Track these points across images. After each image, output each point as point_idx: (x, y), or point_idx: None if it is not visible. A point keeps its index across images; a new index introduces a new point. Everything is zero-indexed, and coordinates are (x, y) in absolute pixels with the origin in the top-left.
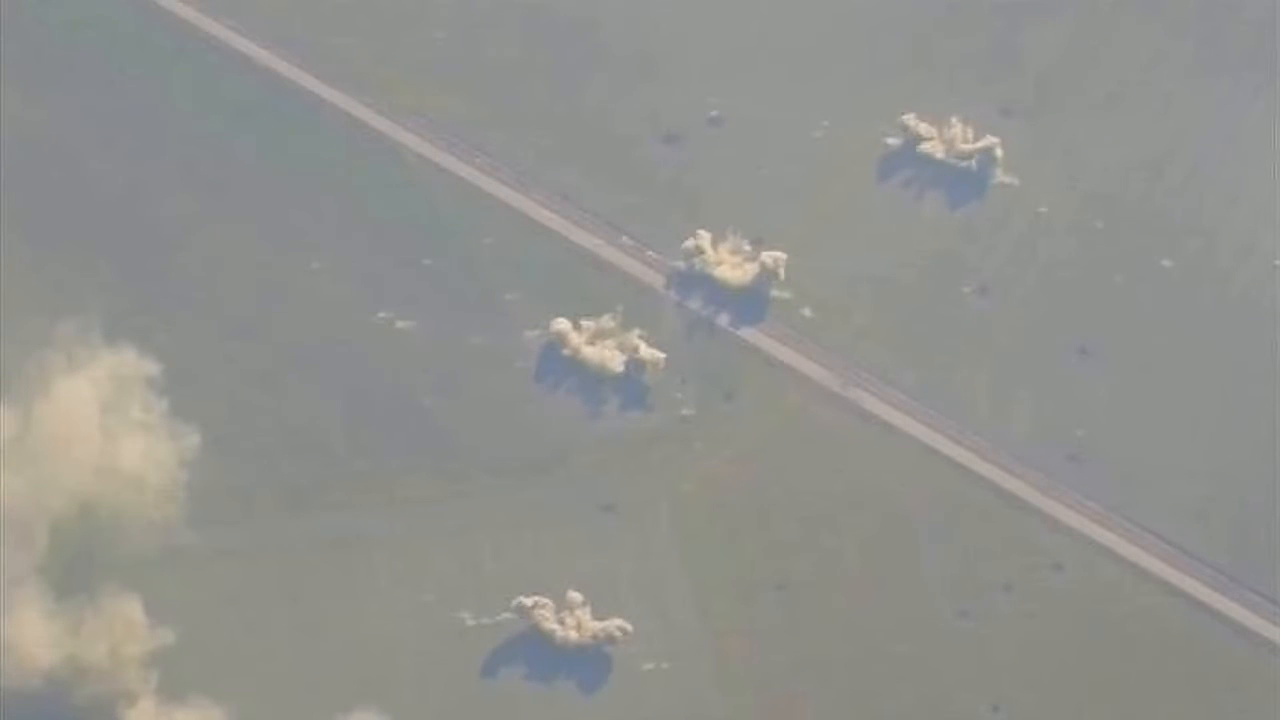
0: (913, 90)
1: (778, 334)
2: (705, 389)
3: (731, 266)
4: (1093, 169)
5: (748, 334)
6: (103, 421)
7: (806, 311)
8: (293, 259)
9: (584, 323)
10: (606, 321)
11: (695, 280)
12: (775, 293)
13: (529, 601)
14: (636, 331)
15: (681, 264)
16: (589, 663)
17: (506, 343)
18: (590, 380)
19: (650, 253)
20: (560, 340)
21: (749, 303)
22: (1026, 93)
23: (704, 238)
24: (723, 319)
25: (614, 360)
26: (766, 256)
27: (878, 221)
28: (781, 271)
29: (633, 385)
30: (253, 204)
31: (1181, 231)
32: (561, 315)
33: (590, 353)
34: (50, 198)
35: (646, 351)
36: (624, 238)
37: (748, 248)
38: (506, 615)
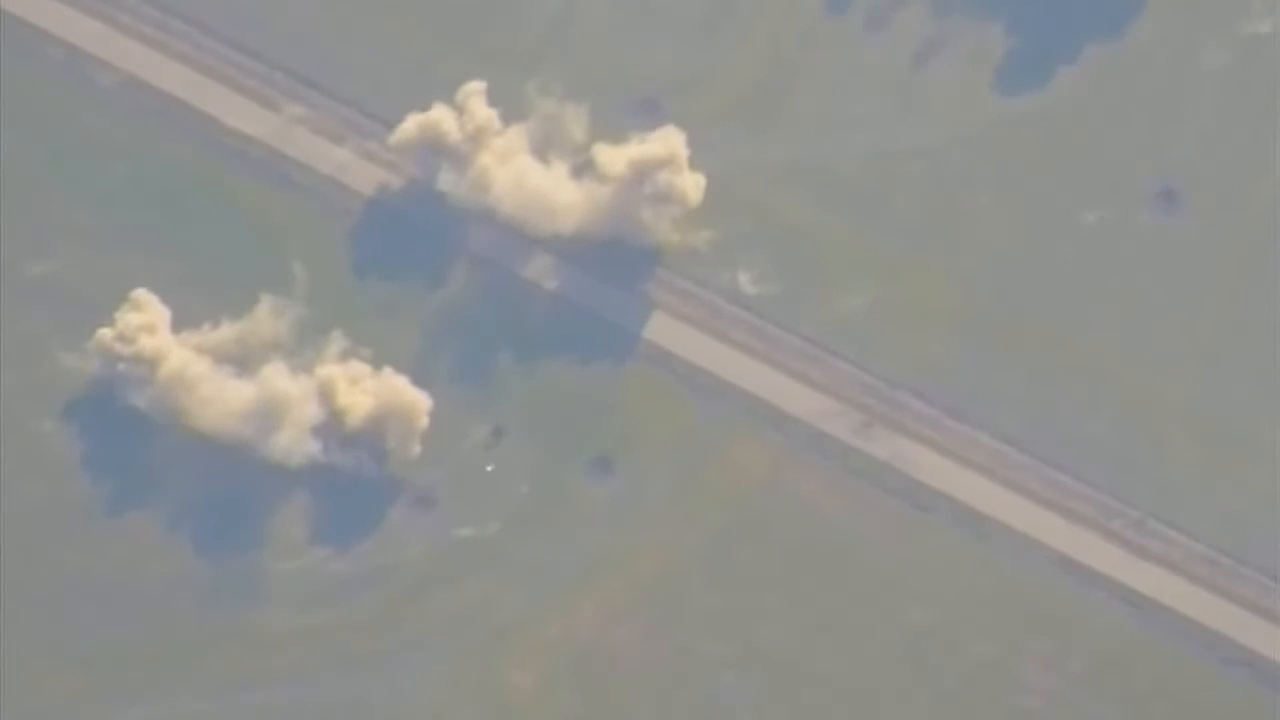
0: None
1: (696, 320)
2: (540, 463)
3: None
4: None
5: (625, 319)
6: None
7: (750, 266)
8: None
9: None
10: (266, 315)
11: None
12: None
13: None
14: (336, 334)
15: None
16: None
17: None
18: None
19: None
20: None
21: (619, 256)
22: None
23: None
24: (556, 288)
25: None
26: (656, 141)
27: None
28: (686, 174)
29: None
30: None
31: None
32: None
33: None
34: None
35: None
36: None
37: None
38: None
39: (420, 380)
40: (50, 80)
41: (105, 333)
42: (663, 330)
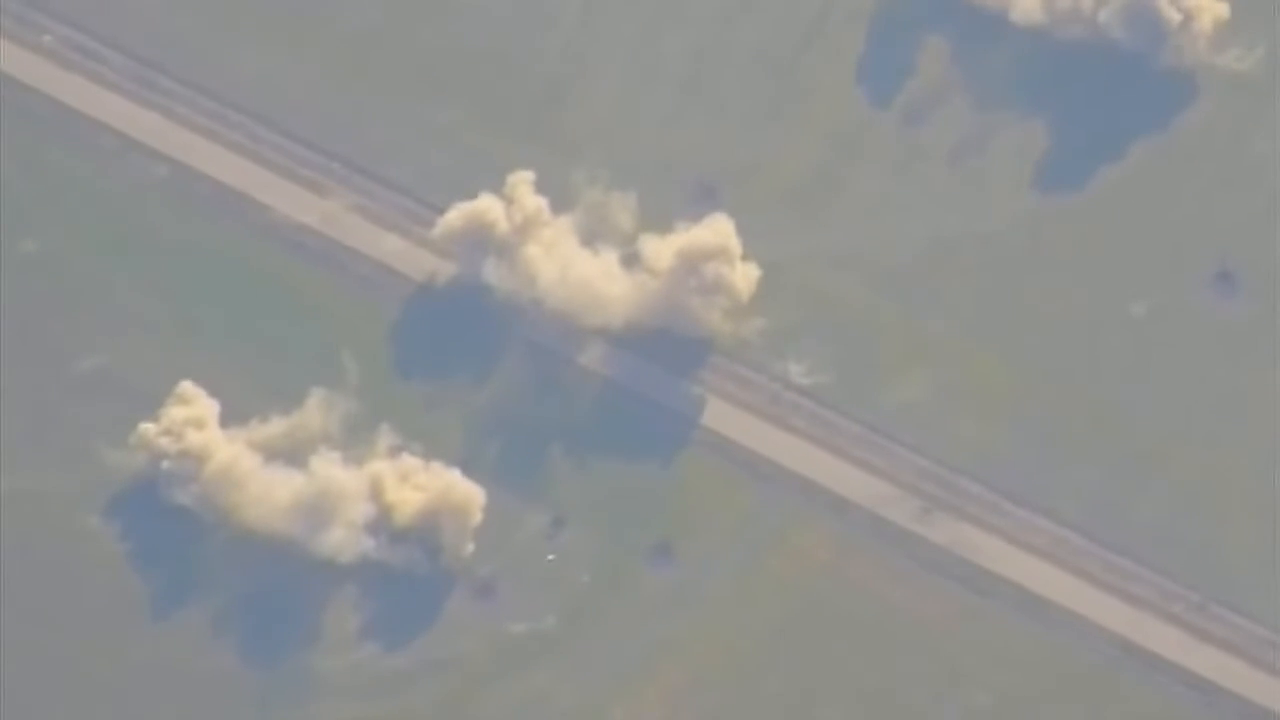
0: None
1: (752, 406)
2: (600, 551)
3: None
4: None
5: (679, 406)
6: None
7: (804, 354)
8: None
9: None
10: (315, 409)
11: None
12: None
13: None
14: (384, 428)
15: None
16: None
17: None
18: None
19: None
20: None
21: (670, 343)
22: None
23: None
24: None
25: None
26: (705, 230)
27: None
28: (737, 264)
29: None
30: None
31: None
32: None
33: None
34: None
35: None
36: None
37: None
38: None
39: (472, 473)
40: (103, 170)
41: (149, 428)
42: (719, 417)
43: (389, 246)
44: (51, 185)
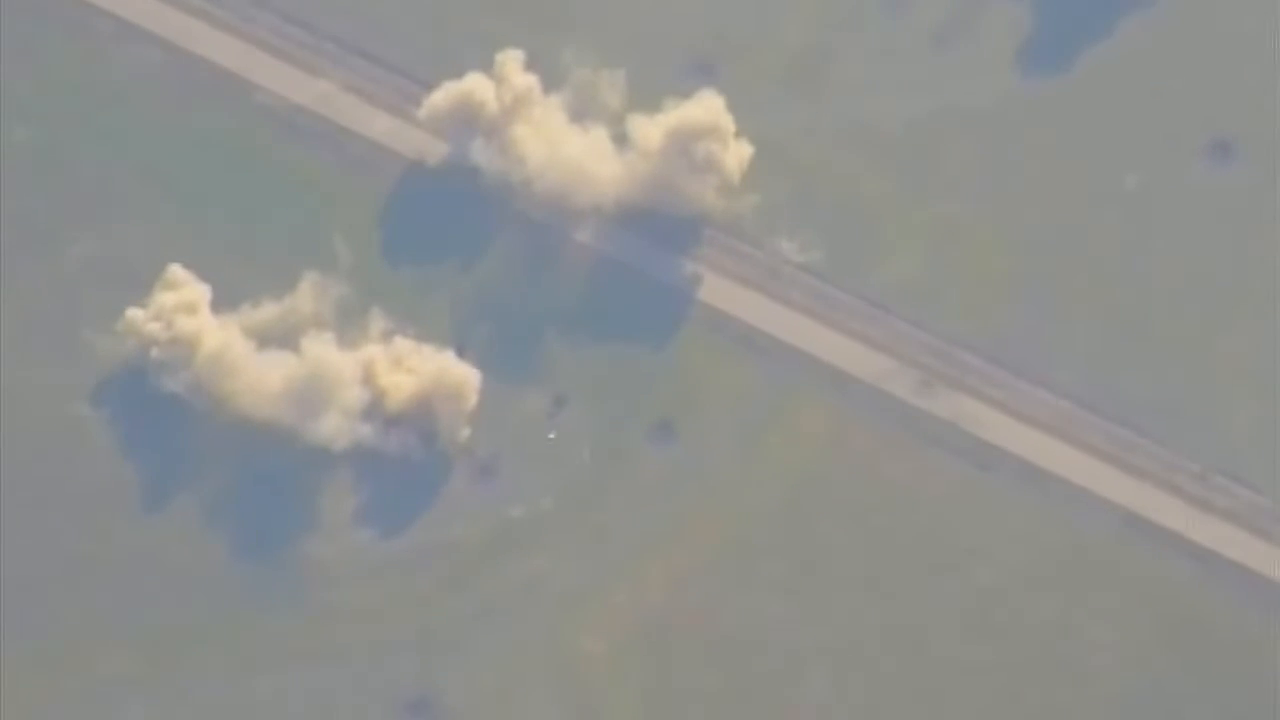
0: None
1: (750, 280)
2: (600, 429)
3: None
4: None
5: (677, 282)
6: None
7: (801, 230)
8: None
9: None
10: (308, 294)
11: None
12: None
13: None
14: (376, 312)
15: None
16: None
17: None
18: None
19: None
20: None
21: (663, 221)
22: None
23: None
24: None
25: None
26: (696, 107)
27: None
28: (730, 142)
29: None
30: None
31: None
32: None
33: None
34: None
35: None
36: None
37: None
38: None
39: (467, 356)
40: (97, 55)
41: (136, 313)
42: (717, 292)
43: (383, 126)
44: (45, 71)
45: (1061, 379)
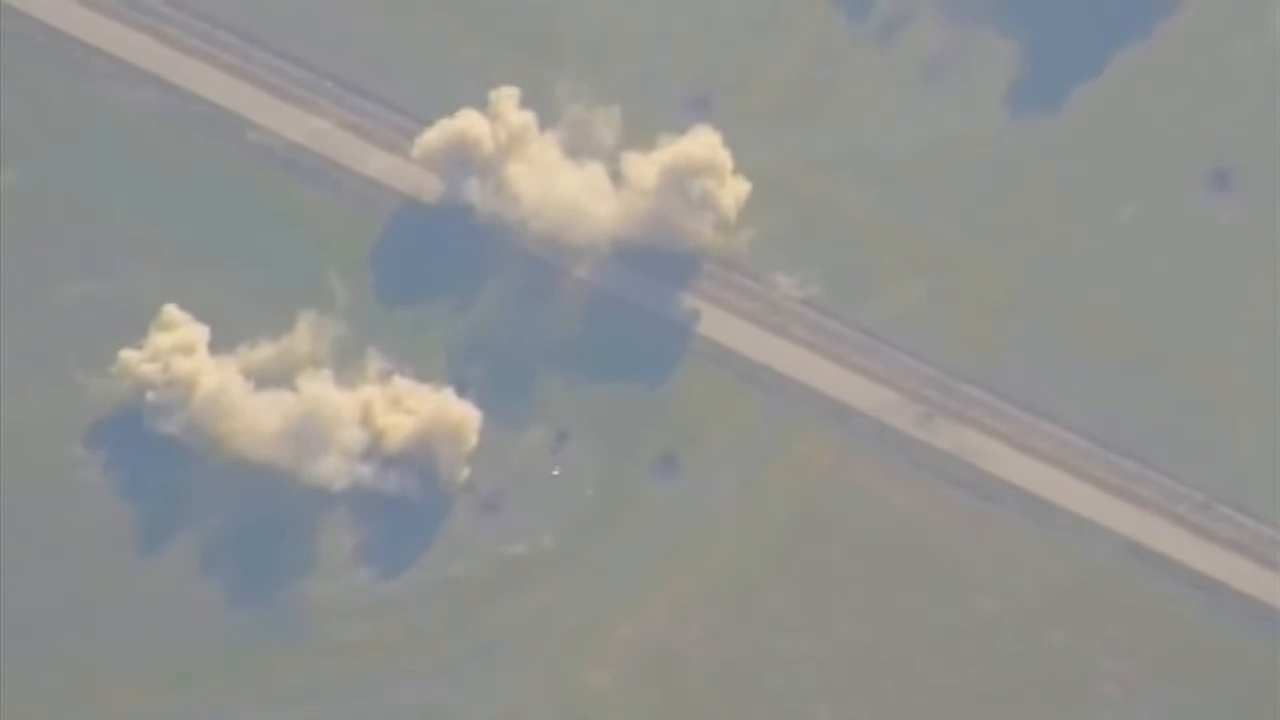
0: None
1: (750, 314)
2: (603, 464)
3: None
4: None
5: (676, 316)
6: None
7: (800, 262)
8: None
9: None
10: (305, 333)
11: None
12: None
13: None
14: (373, 352)
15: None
16: None
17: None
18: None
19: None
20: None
21: (661, 256)
22: None
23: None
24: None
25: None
26: (692, 143)
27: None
28: (727, 179)
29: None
30: None
31: None
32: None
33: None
34: None
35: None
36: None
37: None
38: None
39: (466, 394)
40: (95, 94)
41: (130, 354)
42: (717, 326)
43: (379, 163)
44: (42, 110)
45: (1063, 410)
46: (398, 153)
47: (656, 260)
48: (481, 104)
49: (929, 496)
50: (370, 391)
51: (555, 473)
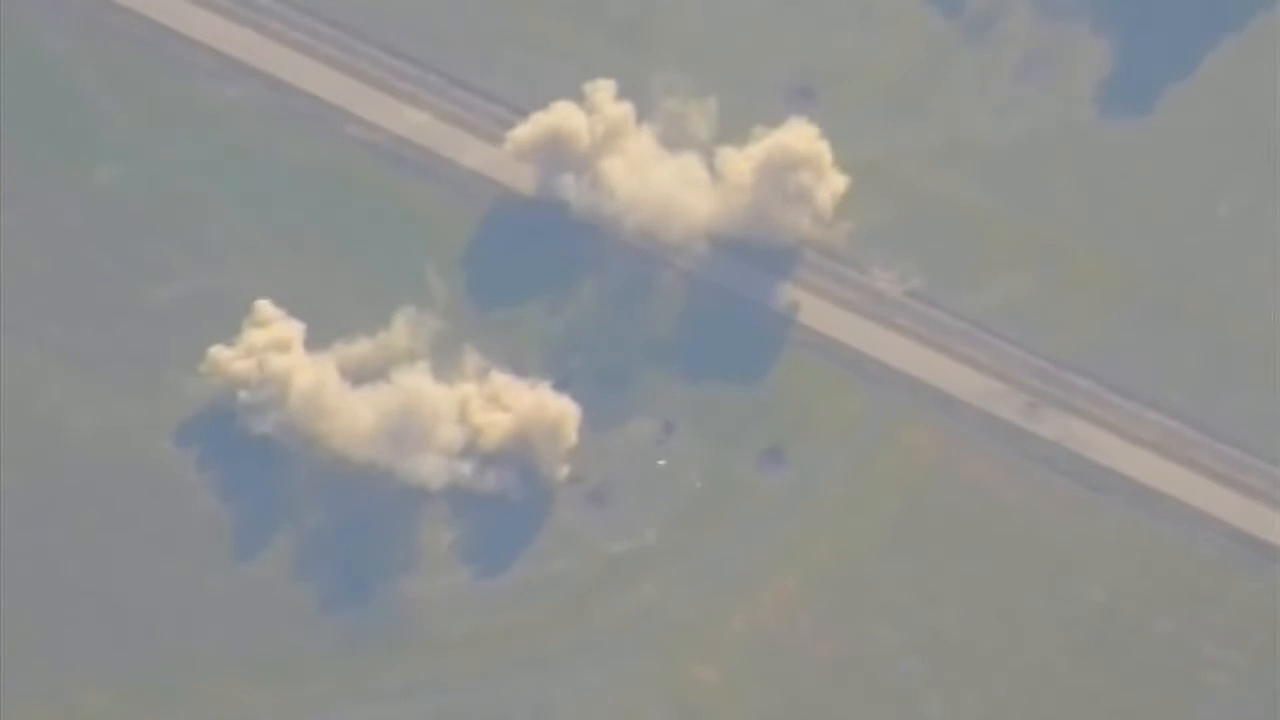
0: None
1: (854, 304)
2: (710, 456)
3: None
4: None
5: (779, 309)
6: None
7: (905, 253)
8: None
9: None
10: (399, 334)
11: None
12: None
13: None
14: (469, 348)
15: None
16: None
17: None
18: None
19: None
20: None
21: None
22: None
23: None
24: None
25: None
26: (789, 135)
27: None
28: (826, 173)
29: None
30: None
31: None
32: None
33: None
34: None
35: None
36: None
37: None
38: None
39: (567, 389)
40: (198, 89)
41: (220, 351)
42: (821, 317)
43: (478, 155)
44: (142, 105)
45: (1168, 398)
46: (496, 143)
47: (755, 251)
48: (577, 95)
49: (1036, 486)
50: (468, 388)
51: (661, 462)
